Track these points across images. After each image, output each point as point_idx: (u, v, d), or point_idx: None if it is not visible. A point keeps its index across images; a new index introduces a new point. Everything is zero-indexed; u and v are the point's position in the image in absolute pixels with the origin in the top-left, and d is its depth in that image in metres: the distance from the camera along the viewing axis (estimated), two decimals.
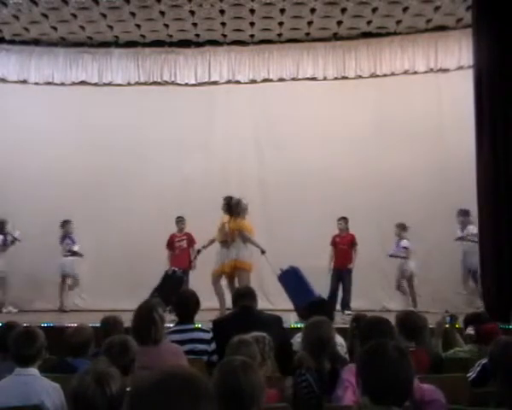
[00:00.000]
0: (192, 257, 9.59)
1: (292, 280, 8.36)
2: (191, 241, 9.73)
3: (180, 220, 9.76)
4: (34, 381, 3.33)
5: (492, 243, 8.08)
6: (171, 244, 9.73)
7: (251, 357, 3.16)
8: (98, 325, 4.67)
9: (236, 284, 8.46)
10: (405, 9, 9.50)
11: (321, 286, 8.96)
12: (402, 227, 9.60)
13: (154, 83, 10.95)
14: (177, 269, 9.01)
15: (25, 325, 4.19)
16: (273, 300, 9.75)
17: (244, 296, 4.87)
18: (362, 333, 3.66)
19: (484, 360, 3.81)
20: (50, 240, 9.99)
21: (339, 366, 3.48)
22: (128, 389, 2.50)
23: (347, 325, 4.96)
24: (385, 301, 9.93)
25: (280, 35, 10.48)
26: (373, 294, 9.93)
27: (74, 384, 2.19)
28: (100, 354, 3.54)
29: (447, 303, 9.60)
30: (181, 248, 9.71)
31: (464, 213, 9.40)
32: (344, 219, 9.64)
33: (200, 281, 9.14)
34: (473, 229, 9.24)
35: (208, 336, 4.65)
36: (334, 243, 9.70)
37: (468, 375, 3.82)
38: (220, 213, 8.90)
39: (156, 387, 1.44)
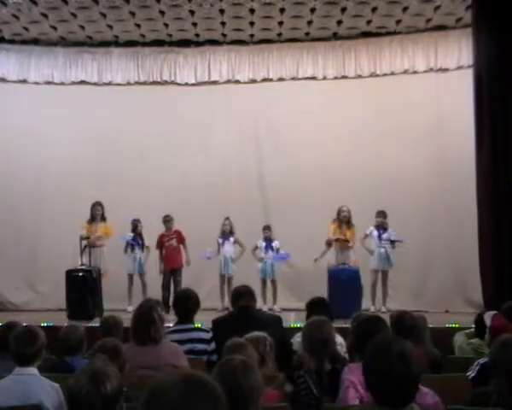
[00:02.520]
0: (187, 256, 9.63)
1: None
2: (181, 238, 9.65)
3: (167, 219, 9.66)
4: (34, 380, 3.33)
5: (492, 243, 8.09)
6: (160, 244, 9.66)
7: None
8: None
9: None
10: (405, 9, 9.49)
11: (322, 286, 8.96)
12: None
13: (154, 82, 10.92)
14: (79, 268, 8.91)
15: (24, 324, 4.20)
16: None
17: (243, 296, 4.85)
18: (356, 333, 3.67)
19: (482, 360, 3.82)
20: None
21: (339, 366, 3.48)
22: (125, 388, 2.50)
23: (347, 325, 4.96)
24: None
25: (280, 35, 10.47)
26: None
27: (70, 383, 2.18)
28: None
29: (448, 303, 9.63)
30: (171, 248, 9.62)
31: (384, 215, 9.36)
32: None
33: (198, 281, 9.20)
34: (391, 232, 9.28)
35: (208, 335, 4.64)
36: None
37: (468, 373, 3.82)
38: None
39: (176, 387, 1.45)
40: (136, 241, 9.63)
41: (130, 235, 9.62)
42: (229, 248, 9.67)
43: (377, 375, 2.18)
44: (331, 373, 3.42)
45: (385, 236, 9.35)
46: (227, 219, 9.74)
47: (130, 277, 9.64)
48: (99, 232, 9.35)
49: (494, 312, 5.00)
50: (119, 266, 9.59)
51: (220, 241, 9.68)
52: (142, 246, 9.66)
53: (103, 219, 9.52)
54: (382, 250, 9.34)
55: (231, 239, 9.70)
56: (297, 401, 3.23)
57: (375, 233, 9.39)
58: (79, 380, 2.14)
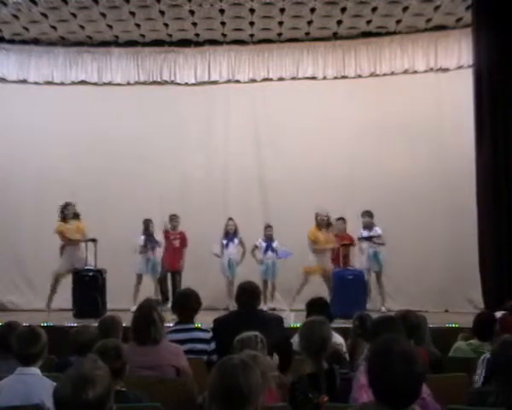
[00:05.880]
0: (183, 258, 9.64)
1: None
2: (184, 241, 9.65)
3: (174, 218, 9.65)
4: (35, 380, 3.33)
5: (492, 243, 8.10)
6: (166, 239, 9.64)
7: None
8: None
9: None
10: (405, 9, 9.49)
11: (322, 286, 8.97)
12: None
13: (154, 82, 10.93)
14: (87, 267, 8.86)
15: (25, 324, 4.20)
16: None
17: (246, 295, 4.84)
18: (369, 332, 3.66)
19: (488, 355, 3.79)
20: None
21: (336, 366, 3.48)
22: (122, 389, 2.46)
23: (347, 325, 4.96)
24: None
25: (280, 34, 10.48)
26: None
27: (56, 387, 2.16)
28: None
29: (448, 303, 9.63)
30: (173, 247, 9.61)
31: (370, 215, 9.36)
32: (342, 220, 9.52)
33: (200, 281, 9.17)
34: (378, 230, 9.29)
35: (208, 335, 4.64)
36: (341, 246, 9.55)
37: (477, 373, 3.78)
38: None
39: None
40: (149, 241, 9.59)
41: (145, 239, 9.57)
42: (233, 250, 9.59)
43: (379, 375, 2.19)
44: (328, 373, 3.42)
45: (364, 234, 9.35)
46: (230, 219, 9.65)
47: (139, 277, 9.58)
48: (76, 230, 9.18)
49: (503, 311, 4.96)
50: (121, 265, 9.59)
51: (224, 242, 9.60)
52: (153, 247, 9.62)
53: (76, 216, 9.31)
54: (370, 250, 9.35)
55: (235, 241, 9.62)
56: (295, 406, 3.24)
57: (365, 234, 9.41)
58: (64, 385, 2.12)
